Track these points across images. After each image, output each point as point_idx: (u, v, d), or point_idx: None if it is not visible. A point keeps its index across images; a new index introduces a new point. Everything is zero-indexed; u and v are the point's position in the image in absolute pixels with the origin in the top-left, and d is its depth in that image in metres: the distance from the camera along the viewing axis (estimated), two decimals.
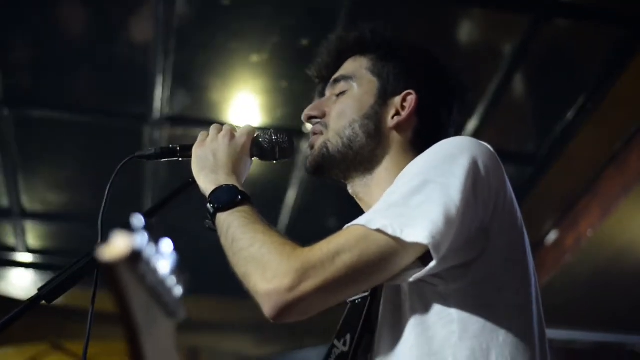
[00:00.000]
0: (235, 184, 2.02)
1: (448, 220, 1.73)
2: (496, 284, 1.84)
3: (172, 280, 1.12)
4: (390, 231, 1.73)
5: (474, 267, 1.83)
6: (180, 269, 1.11)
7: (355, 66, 2.25)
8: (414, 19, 5.12)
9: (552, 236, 6.76)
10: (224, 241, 1.90)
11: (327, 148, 2.15)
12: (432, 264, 1.74)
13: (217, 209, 1.95)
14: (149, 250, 1.05)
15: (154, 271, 1.07)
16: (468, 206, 1.78)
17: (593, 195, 6.20)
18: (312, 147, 2.20)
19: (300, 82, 5.00)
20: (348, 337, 2.00)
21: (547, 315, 1.95)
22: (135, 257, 1.03)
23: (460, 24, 5.27)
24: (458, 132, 2.15)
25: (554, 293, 6.44)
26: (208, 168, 2.07)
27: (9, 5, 4.94)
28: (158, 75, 5.44)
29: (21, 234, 7.48)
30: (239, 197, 1.97)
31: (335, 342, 2.03)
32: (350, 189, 2.19)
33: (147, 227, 1.02)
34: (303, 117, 2.24)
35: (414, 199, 1.78)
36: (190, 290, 1.22)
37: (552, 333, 1.93)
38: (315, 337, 7.66)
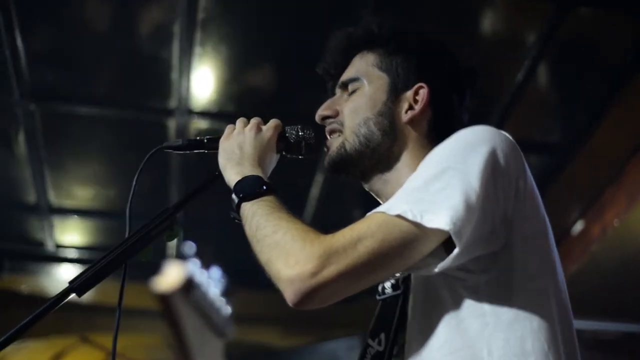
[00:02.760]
0: (261, 175, 2.03)
1: (468, 207, 1.74)
2: (524, 272, 1.84)
3: (221, 302, 1.13)
4: (410, 216, 1.74)
5: (501, 256, 1.83)
6: (228, 290, 1.12)
7: (363, 64, 2.23)
8: (437, 10, 5.11)
9: (578, 226, 6.73)
10: (248, 230, 1.91)
11: (344, 147, 2.14)
12: (456, 251, 1.74)
13: (242, 198, 1.96)
14: (200, 277, 1.06)
15: (205, 296, 1.09)
16: (488, 194, 1.78)
17: (619, 184, 6.17)
18: (328, 147, 2.20)
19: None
20: (382, 336, 2.00)
21: (574, 305, 1.95)
22: (188, 287, 1.04)
23: (484, 14, 5.26)
24: (476, 119, 2.14)
25: (581, 283, 6.41)
26: (234, 160, 2.07)
27: (35, 1, 4.97)
28: (183, 69, 5.46)
29: (49, 228, 7.53)
30: (264, 187, 1.97)
31: (370, 341, 2.03)
32: (368, 187, 2.18)
33: (198, 254, 1.03)
34: (317, 118, 2.22)
35: (434, 184, 1.78)
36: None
37: (579, 323, 1.93)
38: (342, 329, 7.68)
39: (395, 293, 2.03)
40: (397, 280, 2.02)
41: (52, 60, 5.57)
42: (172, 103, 5.78)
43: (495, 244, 1.82)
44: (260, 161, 2.08)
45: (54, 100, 5.87)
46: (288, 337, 8.33)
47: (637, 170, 5.97)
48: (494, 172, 1.81)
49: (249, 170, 2.03)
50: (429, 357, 1.85)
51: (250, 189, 1.97)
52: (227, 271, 6.82)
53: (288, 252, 1.77)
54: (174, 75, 5.52)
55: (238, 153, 2.09)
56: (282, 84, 5.74)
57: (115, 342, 2.00)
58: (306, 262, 1.74)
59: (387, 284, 2.05)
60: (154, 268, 6.50)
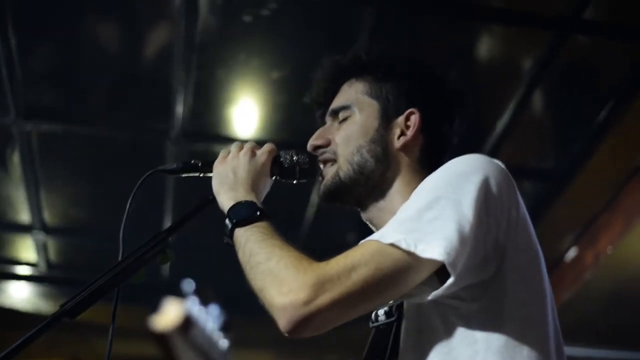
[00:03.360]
0: (254, 200, 2.03)
1: (462, 237, 1.74)
2: (515, 301, 1.85)
3: (219, 336, 1.13)
4: (404, 246, 1.74)
5: (492, 285, 1.83)
6: (227, 325, 1.12)
7: (352, 92, 2.23)
8: (434, 36, 5.13)
9: (571, 253, 6.73)
10: (241, 256, 1.91)
11: (338, 176, 2.14)
12: (450, 281, 1.74)
13: (235, 224, 1.96)
14: (199, 315, 1.06)
15: (203, 332, 1.08)
16: (480, 223, 1.79)
17: (613, 211, 6.17)
18: (323, 177, 2.20)
19: None
20: None
21: (567, 332, 1.95)
22: (186, 325, 1.04)
23: (481, 41, 5.28)
24: (472, 145, 2.14)
25: (574, 310, 6.41)
26: (227, 185, 2.08)
27: (32, 21, 4.98)
28: (180, 91, 5.46)
29: (42, 249, 7.51)
30: (257, 212, 1.97)
31: None
32: (364, 216, 2.19)
33: (197, 292, 1.03)
34: (309, 148, 2.22)
35: (427, 214, 1.78)
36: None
37: (571, 350, 1.94)
38: (334, 354, 7.65)
39: (389, 320, 2.02)
40: (390, 307, 2.02)
41: (48, 79, 5.58)
42: (168, 125, 5.78)
43: (487, 273, 1.83)
44: (254, 186, 2.09)
45: (50, 120, 5.87)
46: None
47: (631, 197, 5.98)
48: (487, 201, 1.82)
49: (243, 195, 2.04)
50: None
51: (243, 214, 1.97)
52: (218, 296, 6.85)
53: (281, 280, 1.77)
54: (170, 97, 5.53)
55: (232, 178, 2.09)
56: (278, 107, 5.75)
57: None
58: (299, 290, 1.74)
59: (381, 311, 2.05)
60: (146, 290, 6.52)
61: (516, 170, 1.94)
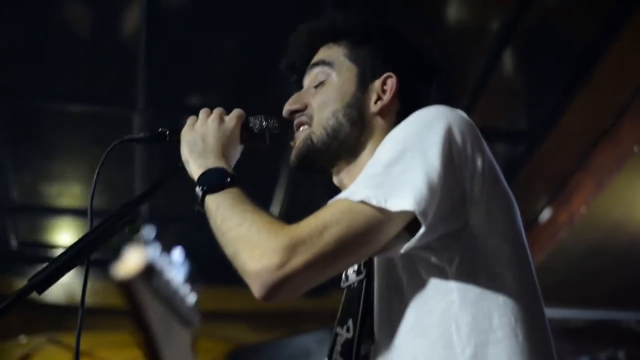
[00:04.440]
0: (224, 167, 2.00)
1: (431, 186, 1.74)
2: (487, 249, 1.84)
3: (185, 289, 1.10)
4: (374, 202, 1.74)
5: (463, 234, 1.83)
6: (192, 277, 1.08)
7: (331, 53, 2.22)
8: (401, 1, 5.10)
9: (545, 214, 6.76)
10: (213, 223, 1.88)
11: (311, 140, 2.13)
12: (421, 231, 1.74)
13: (206, 191, 1.94)
14: (161, 262, 1.02)
15: (167, 283, 1.05)
16: (447, 172, 1.78)
17: (585, 170, 6.20)
18: (295, 141, 2.18)
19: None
20: (350, 322, 1.99)
21: (543, 293, 1.94)
22: (149, 272, 1.00)
23: (449, 3, 5.25)
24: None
25: (549, 271, 6.45)
26: (197, 152, 2.05)
27: None
28: (145, 63, 5.41)
29: (13, 227, 7.46)
30: (228, 179, 1.95)
31: (338, 329, 2.02)
32: (335, 179, 2.17)
33: (159, 238, 1.00)
34: (284, 113, 2.21)
35: (394, 168, 1.78)
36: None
37: (547, 312, 1.93)
38: (311, 322, 7.67)
39: (359, 278, 2.02)
40: (359, 265, 2.02)
41: (13, 56, 5.50)
42: (135, 97, 5.73)
43: (457, 222, 1.83)
44: (224, 152, 2.06)
45: (17, 97, 5.81)
46: (258, 332, 8.32)
47: (603, 156, 6.00)
48: (451, 149, 1.82)
49: (213, 162, 2.01)
50: (399, 339, 1.85)
51: (214, 181, 1.95)
52: (192, 265, 6.81)
53: (254, 244, 1.75)
54: (137, 69, 5.48)
55: (201, 145, 2.06)
56: (247, 74, 5.71)
57: (78, 338, 1.97)
58: (272, 254, 1.72)
59: (350, 270, 2.05)
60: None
61: (487, 132, 1.94)
